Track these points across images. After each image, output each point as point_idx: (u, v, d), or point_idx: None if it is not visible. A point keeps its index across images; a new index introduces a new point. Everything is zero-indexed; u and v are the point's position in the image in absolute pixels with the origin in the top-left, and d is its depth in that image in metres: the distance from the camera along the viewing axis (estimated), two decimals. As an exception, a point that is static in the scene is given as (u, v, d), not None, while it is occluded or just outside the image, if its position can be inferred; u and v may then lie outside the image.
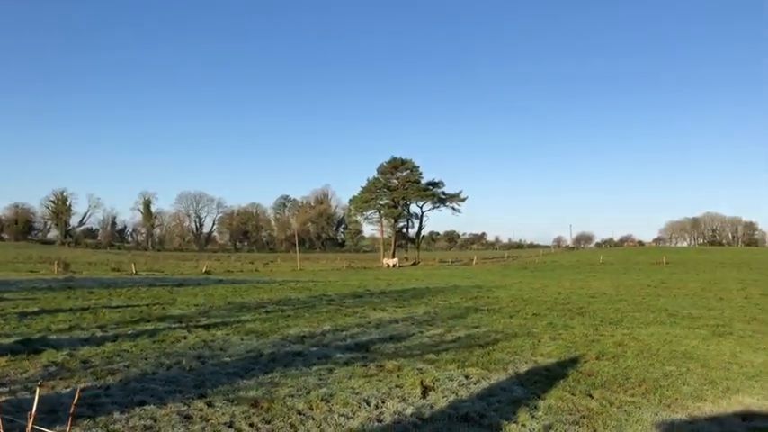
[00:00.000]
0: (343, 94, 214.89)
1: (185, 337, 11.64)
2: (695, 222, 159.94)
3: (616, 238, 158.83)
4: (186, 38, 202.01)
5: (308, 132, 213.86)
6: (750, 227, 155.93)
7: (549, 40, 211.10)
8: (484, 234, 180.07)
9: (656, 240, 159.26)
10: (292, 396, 7.18)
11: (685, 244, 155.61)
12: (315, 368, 8.93)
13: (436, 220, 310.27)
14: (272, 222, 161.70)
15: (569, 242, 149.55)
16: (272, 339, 11.60)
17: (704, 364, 9.66)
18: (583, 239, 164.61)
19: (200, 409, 6.55)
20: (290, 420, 6.23)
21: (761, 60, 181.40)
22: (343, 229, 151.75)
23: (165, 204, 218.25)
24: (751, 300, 19.95)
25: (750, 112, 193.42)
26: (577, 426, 6.26)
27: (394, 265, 68.28)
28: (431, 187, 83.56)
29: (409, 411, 6.62)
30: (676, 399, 7.48)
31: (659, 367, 9.40)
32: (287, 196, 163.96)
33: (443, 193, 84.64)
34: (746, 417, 6.71)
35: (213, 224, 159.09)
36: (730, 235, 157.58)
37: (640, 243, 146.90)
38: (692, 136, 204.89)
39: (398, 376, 8.45)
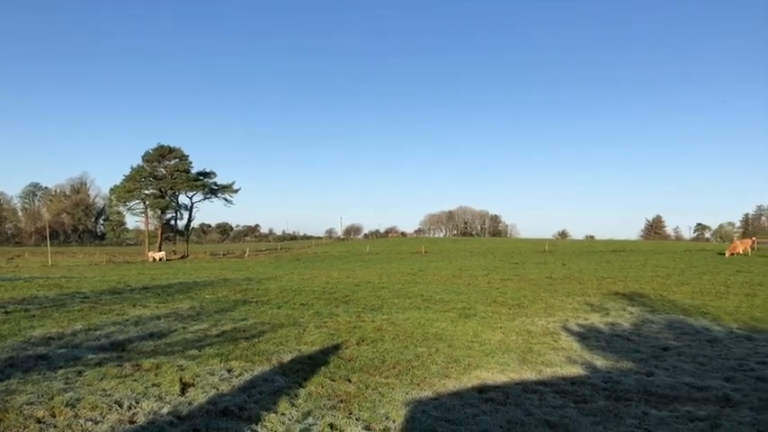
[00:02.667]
0: (107, 75, 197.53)
1: None
2: (450, 215, 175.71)
3: (382, 230, 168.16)
4: None
5: (63, 114, 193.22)
6: (495, 219, 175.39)
7: (312, 40, 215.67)
8: (257, 226, 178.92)
9: (417, 231, 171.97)
10: (32, 404, 6.54)
11: (442, 235, 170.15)
12: (61, 372, 8.22)
13: (208, 212, 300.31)
14: (19, 213, 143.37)
15: (340, 234, 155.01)
16: (11, 343, 10.39)
17: (451, 344, 10.75)
18: (352, 231, 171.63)
19: None
20: (26, 431, 5.70)
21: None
22: (104, 220, 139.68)
23: None
24: (493, 285, 22.55)
25: (494, 113, 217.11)
26: (335, 410, 6.60)
27: (160, 259, 64.93)
28: (201, 177, 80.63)
29: (166, 410, 6.43)
30: (425, 378, 8.25)
31: (412, 349, 10.25)
32: (37, 184, 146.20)
33: (215, 183, 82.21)
34: (482, 390, 7.63)
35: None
36: (479, 226, 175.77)
37: (403, 234, 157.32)
38: (446, 136, 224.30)
39: (156, 375, 8.13)
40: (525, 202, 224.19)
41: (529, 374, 8.54)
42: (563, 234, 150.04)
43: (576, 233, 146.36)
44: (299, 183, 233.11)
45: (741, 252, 38.47)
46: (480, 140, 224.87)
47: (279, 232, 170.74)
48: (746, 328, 12.48)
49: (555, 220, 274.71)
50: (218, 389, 7.43)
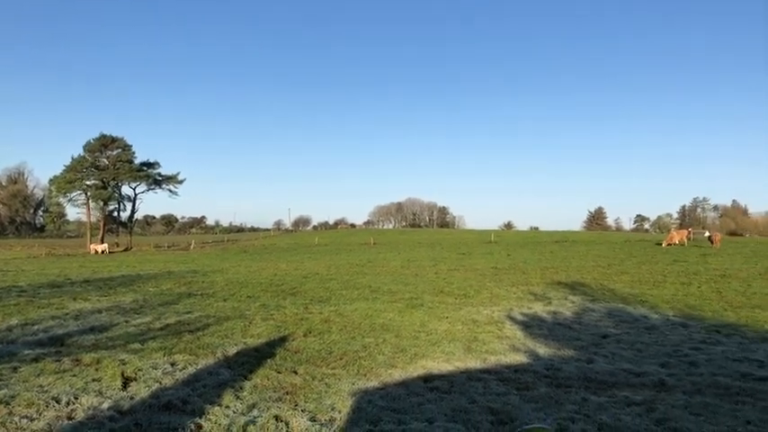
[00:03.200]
0: (47, 62, 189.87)
1: None
2: (399, 207, 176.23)
3: (331, 221, 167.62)
4: None
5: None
6: (443, 211, 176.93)
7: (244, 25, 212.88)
8: (204, 218, 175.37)
9: (367, 223, 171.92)
10: (-39, 402, 6.29)
11: (391, 226, 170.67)
12: (-7, 368, 7.94)
13: (152, 203, 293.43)
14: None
15: (289, 225, 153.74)
16: (-63, 339, 9.97)
17: (398, 334, 10.82)
18: (301, 222, 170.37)
19: None
20: (-45, 430, 5.48)
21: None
22: (43, 212, 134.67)
23: None
24: (440, 275, 22.77)
25: (441, 106, 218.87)
26: (281, 402, 6.57)
27: (103, 252, 63.02)
28: (145, 168, 78.39)
29: (106, 405, 6.28)
30: (372, 368, 8.28)
31: (360, 340, 10.27)
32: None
33: (159, 174, 79.93)
34: (428, 379, 7.71)
35: None
36: (427, 218, 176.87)
37: (353, 225, 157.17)
38: (396, 128, 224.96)
39: (97, 370, 7.93)
40: (473, 194, 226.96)
41: (474, 363, 8.67)
42: (509, 225, 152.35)
43: (522, 224, 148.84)
44: (246, 174, 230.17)
45: (677, 242, 39.85)
46: (428, 133, 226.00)
47: (226, 224, 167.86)
48: (682, 316, 12.95)
49: (501, 211, 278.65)
50: (161, 383, 7.30)
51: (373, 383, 7.49)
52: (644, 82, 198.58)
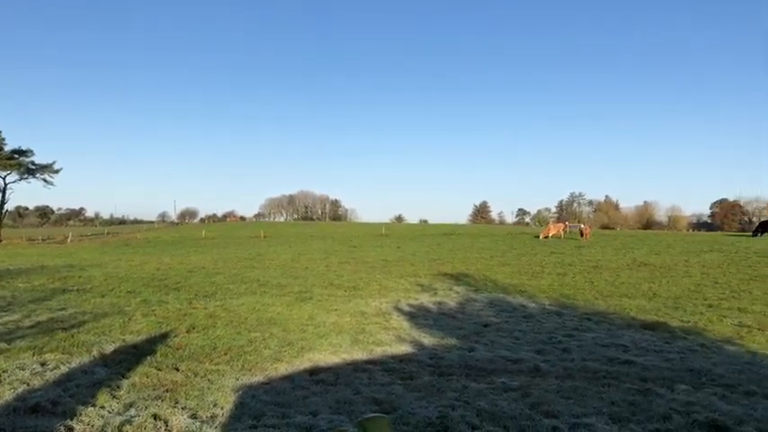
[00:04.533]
0: None
1: None
2: (291, 199, 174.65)
3: (220, 214, 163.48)
4: None
5: None
6: (336, 204, 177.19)
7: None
8: (82, 209, 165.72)
9: (257, 216, 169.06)
10: None
11: (282, 219, 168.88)
12: None
13: (25, 194, 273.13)
14: None
15: (174, 218, 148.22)
16: None
17: (285, 328, 10.71)
18: (187, 215, 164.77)
19: None
20: None
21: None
22: None
23: None
24: (330, 268, 22.77)
25: (335, 100, 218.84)
26: (160, 400, 6.32)
27: (-36, 245, 58.06)
28: (17, 156, 72.75)
29: (-37, 411, 5.78)
30: (257, 363, 8.14)
31: (246, 335, 10.08)
32: None
33: (33, 162, 74.43)
34: (314, 372, 7.68)
35: None
36: (320, 211, 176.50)
37: (242, 218, 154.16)
38: (289, 120, 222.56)
39: (-47, 373, 7.30)
40: (365, 187, 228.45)
41: (360, 354, 8.73)
42: (399, 218, 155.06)
43: (412, 217, 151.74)
44: (128, 163, 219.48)
45: (553, 235, 42.04)
46: (321, 126, 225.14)
47: (106, 216, 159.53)
48: (557, 305, 13.67)
49: (393, 204, 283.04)
50: (28, 384, 6.84)
51: (258, 378, 7.37)
52: (526, 83, 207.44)
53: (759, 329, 10.72)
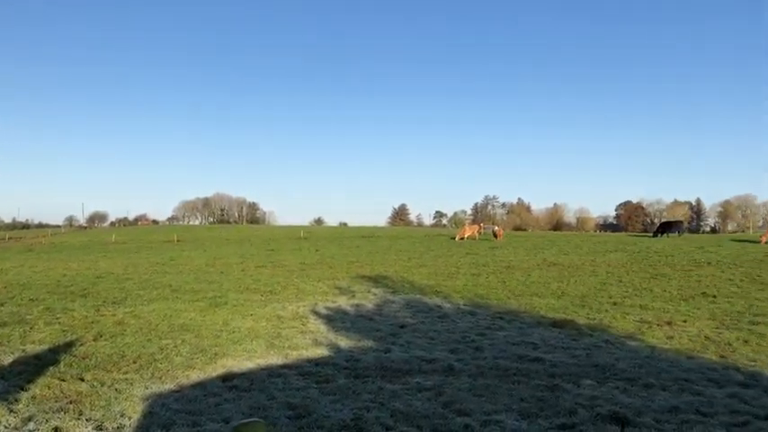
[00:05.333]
0: None
1: None
2: (207, 202, 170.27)
3: (131, 217, 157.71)
4: None
5: None
6: (253, 206, 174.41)
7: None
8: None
9: (171, 219, 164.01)
10: None
11: (197, 222, 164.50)
12: None
13: None
14: None
15: (82, 222, 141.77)
16: None
17: (198, 334, 10.44)
18: (97, 218, 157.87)
19: None
20: None
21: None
22: None
23: None
24: (247, 272, 22.37)
25: (250, 101, 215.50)
26: (63, 412, 6.03)
27: None
28: None
29: None
30: (168, 370, 7.90)
31: (157, 342, 9.76)
32: None
33: None
34: (228, 378, 7.52)
35: None
36: (237, 214, 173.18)
37: (155, 222, 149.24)
38: (203, 120, 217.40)
39: None
40: (284, 189, 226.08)
41: (275, 359, 8.63)
42: (319, 221, 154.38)
43: (332, 220, 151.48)
44: (32, 165, 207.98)
45: (469, 236, 43.00)
46: (236, 127, 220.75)
47: (8, 220, 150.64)
48: (471, 305, 13.98)
49: (312, 207, 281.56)
50: None
51: (169, 386, 7.15)
52: (442, 87, 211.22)
53: (658, 325, 11.34)
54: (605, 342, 9.86)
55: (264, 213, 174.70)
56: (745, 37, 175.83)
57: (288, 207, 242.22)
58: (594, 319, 12.09)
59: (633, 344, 9.79)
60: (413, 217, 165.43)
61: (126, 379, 7.45)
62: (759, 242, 33.31)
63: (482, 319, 12.14)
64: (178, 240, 56.58)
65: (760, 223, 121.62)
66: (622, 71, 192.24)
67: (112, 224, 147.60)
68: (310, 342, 9.83)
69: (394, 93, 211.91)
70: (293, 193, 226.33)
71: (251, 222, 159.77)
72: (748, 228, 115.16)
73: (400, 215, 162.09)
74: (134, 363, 8.33)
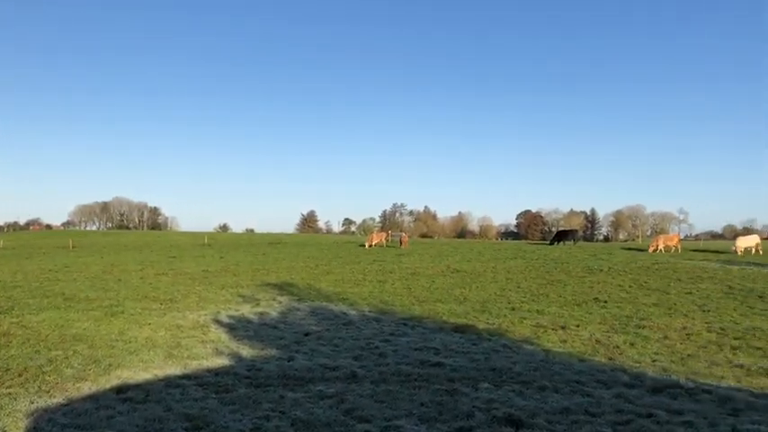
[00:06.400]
0: None
1: None
2: (105, 206, 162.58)
3: (22, 222, 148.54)
4: None
5: None
6: (155, 212, 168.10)
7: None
8: None
9: (66, 224, 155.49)
10: None
11: (95, 227, 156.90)
12: None
13: None
14: None
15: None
16: None
17: (92, 344, 9.96)
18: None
19: None
20: None
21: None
22: None
23: None
24: (146, 279, 21.53)
25: (156, 103, 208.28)
26: (-66, 432, 5.59)
27: None
28: None
29: None
30: (57, 383, 7.50)
31: (45, 353, 9.24)
32: None
33: None
34: (122, 389, 7.21)
35: None
36: (137, 219, 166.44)
37: (48, 227, 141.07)
38: (101, 123, 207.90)
39: None
40: (187, 194, 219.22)
41: (174, 369, 8.36)
42: (224, 227, 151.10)
43: (238, 227, 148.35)
44: None
45: (377, 243, 43.36)
46: (137, 127, 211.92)
47: None
48: (377, 311, 14.09)
49: (217, 213, 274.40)
50: None
51: (58, 400, 6.78)
52: (348, 96, 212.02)
53: (553, 329, 11.86)
54: (503, 346, 10.20)
55: (167, 219, 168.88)
56: (630, 51, 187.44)
57: (192, 213, 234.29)
58: (494, 324, 12.48)
59: (529, 348, 10.18)
60: (322, 224, 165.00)
61: (9, 393, 6.99)
62: (647, 250, 35.51)
63: (386, 325, 12.26)
64: (74, 246, 53.70)
65: (649, 232, 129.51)
66: (518, 84, 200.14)
67: (0, 229, 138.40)
68: (211, 351, 9.59)
69: (299, 94, 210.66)
70: (198, 198, 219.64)
71: (152, 228, 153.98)
72: (638, 237, 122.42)
73: (309, 222, 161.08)
74: (19, 376, 7.83)
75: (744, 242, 33.81)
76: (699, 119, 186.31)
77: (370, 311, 14.10)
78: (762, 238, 38.78)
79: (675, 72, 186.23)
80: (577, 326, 12.24)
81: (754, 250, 33.22)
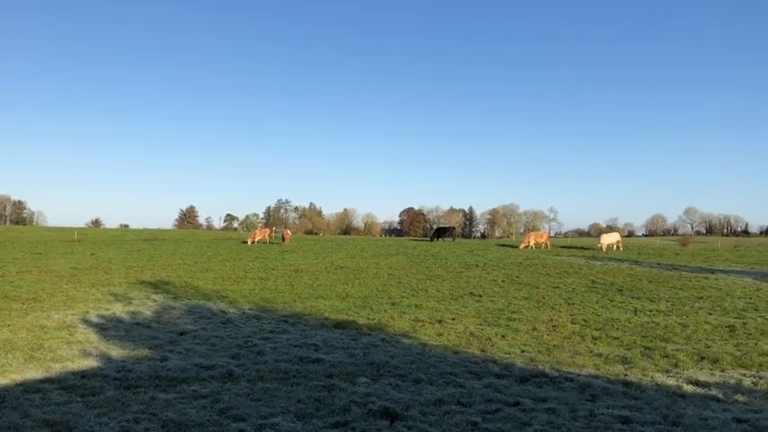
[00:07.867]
0: None
1: None
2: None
3: None
4: None
5: None
6: (19, 205, 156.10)
7: None
8: None
9: None
10: None
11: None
12: None
13: None
14: None
15: None
16: None
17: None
18: None
19: None
20: None
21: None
22: None
23: None
24: (6, 278, 19.77)
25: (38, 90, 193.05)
26: None
27: None
28: None
29: None
30: None
31: None
32: None
33: None
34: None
35: None
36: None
37: None
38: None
39: None
40: (55, 187, 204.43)
41: (34, 373, 7.83)
42: (96, 222, 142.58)
43: (112, 222, 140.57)
44: None
45: (259, 240, 42.69)
46: None
47: None
48: (257, 309, 13.89)
49: (89, 207, 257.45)
50: None
51: None
52: (236, 86, 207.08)
53: (430, 323, 12.22)
54: (382, 341, 10.39)
55: (33, 213, 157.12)
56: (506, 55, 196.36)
57: (60, 207, 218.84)
58: (374, 319, 12.67)
59: (407, 342, 10.43)
60: (202, 220, 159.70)
61: None
62: (518, 247, 37.40)
63: (267, 323, 12.11)
64: None
65: (522, 230, 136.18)
66: (403, 82, 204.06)
67: None
68: (78, 353, 9.07)
69: (181, 86, 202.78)
70: (67, 191, 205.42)
71: (16, 223, 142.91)
72: (512, 234, 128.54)
73: (188, 218, 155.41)
74: None
75: (607, 239, 36.39)
76: (567, 122, 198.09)
77: (250, 309, 13.87)
78: (622, 236, 41.93)
79: (553, 75, 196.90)
80: (453, 319, 12.69)
81: (615, 247, 35.88)
